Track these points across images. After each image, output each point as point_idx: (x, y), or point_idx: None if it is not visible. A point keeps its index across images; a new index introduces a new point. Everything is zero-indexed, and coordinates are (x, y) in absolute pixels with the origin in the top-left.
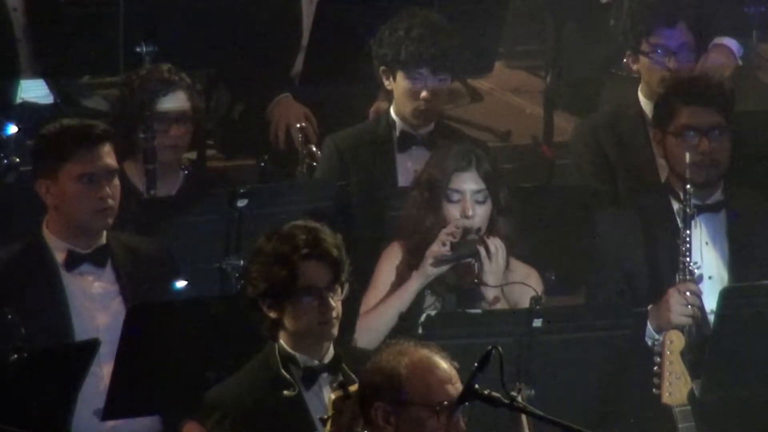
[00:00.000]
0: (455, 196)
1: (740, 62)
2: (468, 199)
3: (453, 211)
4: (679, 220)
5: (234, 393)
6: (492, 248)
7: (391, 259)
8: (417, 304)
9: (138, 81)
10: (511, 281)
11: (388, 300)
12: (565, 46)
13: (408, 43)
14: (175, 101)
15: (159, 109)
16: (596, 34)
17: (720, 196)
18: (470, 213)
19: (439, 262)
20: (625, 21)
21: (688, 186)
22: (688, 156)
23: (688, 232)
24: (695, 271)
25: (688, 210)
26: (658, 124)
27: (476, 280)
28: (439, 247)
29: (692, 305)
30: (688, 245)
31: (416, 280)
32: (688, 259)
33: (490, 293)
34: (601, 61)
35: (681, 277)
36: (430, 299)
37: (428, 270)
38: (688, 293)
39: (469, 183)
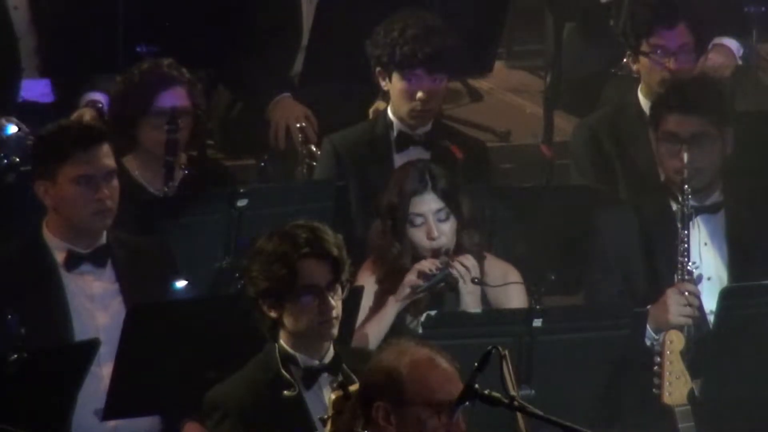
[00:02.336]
0: (418, 220)
1: (740, 62)
2: (431, 221)
3: (418, 234)
4: (677, 220)
5: (234, 393)
6: (462, 269)
7: (365, 280)
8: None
9: (138, 76)
10: (491, 284)
11: (367, 326)
12: (565, 46)
13: (402, 44)
14: (174, 97)
15: (158, 104)
16: (596, 34)
17: (719, 197)
18: (435, 234)
19: (415, 292)
20: (625, 21)
21: (686, 186)
22: (686, 157)
23: (686, 232)
24: (693, 271)
25: (685, 210)
26: (651, 127)
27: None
28: (414, 277)
29: (691, 305)
30: (686, 245)
31: (393, 307)
32: (686, 259)
33: (467, 299)
34: (601, 61)
35: (679, 277)
36: (408, 318)
37: (406, 298)
38: (686, 293)
39: (428, 204)
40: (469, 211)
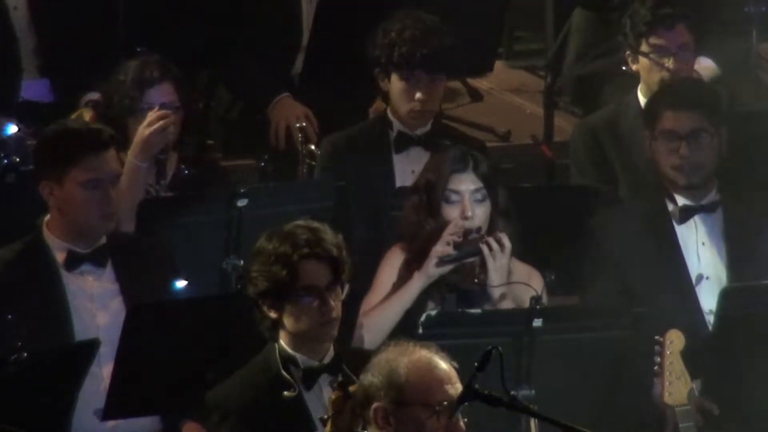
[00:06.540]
0: (454, 197)
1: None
2: (467, 199)
3: (452, 212)
4: (674, 221)
5: (234, 393)
6: (495, 246)
7: (392, 262)
8: (419, 309)
9: (125, 74)
10: (514, 281)
11: (391, 299)
12: (573, 33)
13: (400, 45)
14: (161, 93)
15: (146, 101)
16: (605, 27)
17: (715, 196)
18: (469, 213)
19: (443, 262)
20: (625, 21)
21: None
22: (685, 152)
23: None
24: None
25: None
26: (647, 126)
27: (476, 280)
28: (443, 247)
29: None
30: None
31: (419, 280)
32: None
33: (495, 293)
34: (607, 55)
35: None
36: (431, 304)
37: (431, 270)
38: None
39: (467, 183)
40: (505, 202)
